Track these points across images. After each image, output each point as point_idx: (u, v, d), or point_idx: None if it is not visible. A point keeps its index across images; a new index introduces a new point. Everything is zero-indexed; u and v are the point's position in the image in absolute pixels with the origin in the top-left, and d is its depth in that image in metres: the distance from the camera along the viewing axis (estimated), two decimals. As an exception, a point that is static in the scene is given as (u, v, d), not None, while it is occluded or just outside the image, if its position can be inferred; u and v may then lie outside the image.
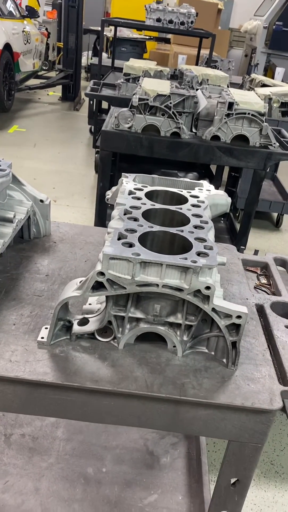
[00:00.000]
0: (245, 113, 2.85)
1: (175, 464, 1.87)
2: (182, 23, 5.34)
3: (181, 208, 1.33)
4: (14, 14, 7.61)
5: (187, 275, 1.05)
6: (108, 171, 3.05)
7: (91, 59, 9.98)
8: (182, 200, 1.41)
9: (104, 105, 5.81)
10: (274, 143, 2.94)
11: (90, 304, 1.26)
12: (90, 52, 11.05)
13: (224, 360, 1.17)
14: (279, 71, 8.39)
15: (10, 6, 7.53)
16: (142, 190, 1.41)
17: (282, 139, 3.19)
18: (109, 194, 1.54)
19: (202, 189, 1.50)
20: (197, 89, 3.36)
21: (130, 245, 1.09)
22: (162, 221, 1.32)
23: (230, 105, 2.82)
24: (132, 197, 1.35)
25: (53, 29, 10.60)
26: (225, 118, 2.87)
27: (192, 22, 5.39)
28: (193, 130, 3.03)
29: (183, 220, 1.28)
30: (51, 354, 1.12)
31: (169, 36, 9.04)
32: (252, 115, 2.85)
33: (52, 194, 4.69)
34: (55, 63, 10.79)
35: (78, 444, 1.89)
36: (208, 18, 8.36)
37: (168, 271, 1.06)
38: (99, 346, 1.16)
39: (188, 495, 1.75)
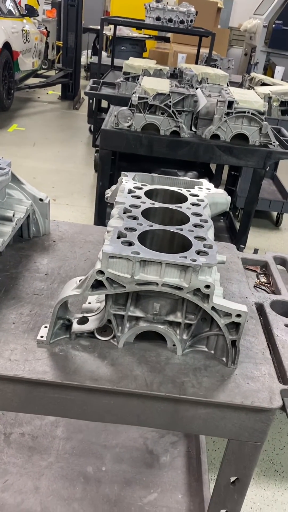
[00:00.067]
0: (244, 112, 2.84)
1: (175, 463, 1.87)
2: (182, 22, 5.34)
3: (180, 207, 1.33)
4: (14, 13, 7.60)
5: (187, 273, 1.05)
6: (108, 170, 3.05)
7: (91, 58, 9.97)
8: (182, 198, 1.41)
9: (104, 104, 5.80)
10: (274, 142, 2.94)
11: (89, 303, 1.26)
12: (90, 51, 11.05)
13: (224, 359, 1.17)
14: (279, 70, 8.39)
15: (9, 4, 7.52)
16: (141, 188, 1.41)
17: (281, 138, 3.18)
18: (108, 193, 1.54)
19: (201, 188, 1.50)
20: (196, 88, 3.36)
21: (130, 243, 1.09)
22: (162, 220, 1.31)
23: (230, 104, 2.82)
24: (132, 196, 1.35)
25: (53, 28, 10.60)
26: (224, 117, 2.86)
27: (191, 21, 5.38)
28: (193, 129, 3.03)
29: (183, 219, 1.28)
30: (51, 353, 1.12)
31: (169, 35, 9.04)
32: (251, 114, 2.84)
33: (52, 193, 4.68)
34: (54, 62, 10.78)
35: (77, 443, 1.89)
36: (207, 17, 8.35)
37: (167, 270, 1.06)
38: (99, 345, 1.16)
39: (188, 493, 1.76)
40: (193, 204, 1.36)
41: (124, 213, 1.23)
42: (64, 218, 3.97)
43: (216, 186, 1.55)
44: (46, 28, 9.89)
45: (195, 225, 1.23)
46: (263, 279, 1.67)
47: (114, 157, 3.80)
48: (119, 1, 11.04)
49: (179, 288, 1.07)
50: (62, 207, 4.52)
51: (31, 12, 8.26)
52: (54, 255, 1.54)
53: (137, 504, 1.69)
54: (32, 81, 8.34)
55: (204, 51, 6.17)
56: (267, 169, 3.22)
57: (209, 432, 1.16)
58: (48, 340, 1.14)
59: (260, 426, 1.11)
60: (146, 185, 1.44)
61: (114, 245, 1.06)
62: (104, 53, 7.25)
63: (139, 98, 2.76)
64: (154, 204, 1.32)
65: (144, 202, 1.32)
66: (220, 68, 5.96)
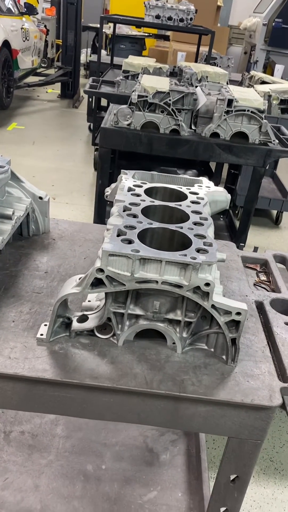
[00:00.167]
0: (244, 110, 2.84)
1: (175, 461, 1.88)
2: (181, 20, 5.33)
3: (180, 205, 1.33)
4: (13, 11, 7.59)
5: (187, 271, 1.05)
6: (107, 169, 3.04)
7: (90, 56, 9.96)
8: (182, 196, 1.41)
9: (103, 102, 5.79)
10: (274, 140, 2.94)
11: (89, 301, 1.26)
12: (89, 49, 11.03)
13: (224, 357, 1.17)
14: (279, 68, 8.37)
15: (8, 3, 7.51)
16: (141, 187, 1.41)
17: (281, 136, 3.18)
18: (108, 191, 1.54)
19: (201, 186, 1.50)
20: (196, 86, 3.36)
21: (130, 241, 1.08)
22: (162, 218, 1.31)
23: (230, 102, 2.81)
24: (132, 194, 1.35)
25: (52, 26, 10.59)
26: (224, 115, 2.86)
27: (191, 19, 5.37)
28: (193, 127, 3.03)
29: (183, 217, 1.28)
30: (51, 351, 1.12)
31: (168, 33, 9.02)
32: (251, 112, 2.84)
33: (51, 191, 4.68)
34: (54, 60, 10.77)
35: (77, 441, 1.89)
36: (207, 15, 8.34)
37: (167, 268, 1.06)
38: (99, 343, 1.16)
39: (188, 492, 1.76)
40: (193, 202, 1.36)
41: (123, 211, 1.23)
42: (64, 217, 3.96)
43: (216, 185, 1.55)
44: (45, 26, 9.89)
45: (195, 223, 1.23)
46: (263, 277, 1.67)
47: (114, 156, 3.80)
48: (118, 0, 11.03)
49: (179, 286, 1.06)
50: (62, 206, 4.52)
51: (30, 10, 8.25)
52: (53, 253, 1.54)
53: (137, 502, 1.69)
54: (31, 79, 8.33)
55: (204, 49, 6.17)
56: (267, 167, 3.21)
57: (209, 430, 1.16)
58: (48, 338, 1.14)
59: (260, 424, 1.11)
60: (145, 183, 1.44)
61: (114, 243, 1.06)
62: (103, 52, 7.25)
63: (139, 96, 2.75)
64: (154, 202, 1.32)
65: (144, 200, 1.32)
66: (220, 66, 5.96)
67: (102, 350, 1.14)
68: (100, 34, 5.60)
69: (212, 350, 1.19)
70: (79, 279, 1.13)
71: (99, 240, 1.64)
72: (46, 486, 1.71)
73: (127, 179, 1.46)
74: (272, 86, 4.47)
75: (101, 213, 3.14)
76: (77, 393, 1.10)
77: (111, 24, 7.17)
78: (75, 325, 1.17)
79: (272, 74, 8.34)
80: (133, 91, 2.84)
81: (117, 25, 6.80)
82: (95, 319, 1.17)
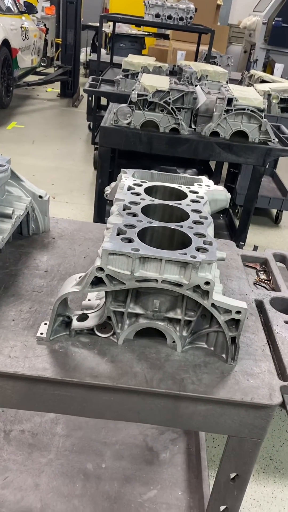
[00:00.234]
0: (244, 109, 2.84)
1: (175, 459, 1.88)
2: (181, 19, 5.32)
3: (180, 204, 1.33)
4: (12, 9, 7.58)
5: (187, 270, 1.05)
6: (107, 168, 3.04)
7: (90, 55, 9.96)
8: (182, 195, 1.41)
9: (103, 101, 5.79)
10: (273, 139, 2.94)
11: (89, 300, 1.26)
12: (89, 48, 11.02)
13: (224, 356, 1.17)
14: (278, 67, 8.37)
15: (8, 1, 7.50)
16: (141, 185, 1.41)
17: (281, 135, 3.18)
18: (108, 189, 1.54)
19: (201, 185, 1.50)
20: (196, 85, 3.36)
21: (129, 240, 1.08)
22: (162, 217, 1.31)
23: (229, 101, 2.81)
24: (131, 193, 1.35)
25: (52, 25, 10.58)
26: (224, 114, 2.86)
27: (191, 18, 5.37)
28: (192, 126, 3.02)
29: (183, 216, 1.28)
30: (50, 349, 1.12)
31: (168, 32, 9.01)
32: (251, 111, 2.84)
33: (51, 190, 4.68)
34: (53, 59, 10.76)
35: (77, 440, 1.89)
36: (207, 14, 8.33)
37: (167, 267, 1.06)
38: (99, 342, 1.16)
39: (188, 490, 1.76)
40: (192, 201, 1.36)
41: (123, 210, 1.23)
42: (64, 216, 3.96)
43: (216, 184, 1.55)
44: (45, 25, 9.87)
45: (195, 222, 1.23)
46: (263, 276, 1.67)
47: (114, 155, 3.80)
48: (118, -2, 11.01)
49: (179, 285, 1.06)
50: (62, 205, 4.52)
51: (30, 9, 8.23)
52: (53, 252, 1.54)
53: (137, 500, 1.70)
54: (31, 78, 8.32)
55: (204, 48, 6.16)
56: (267, 166, 3.21)
57: (209, 429, 1.16)
58: (48, 337, 1.14)
59: (260, 423, 1.11)
60: (145, 182, 1.44)
61: (113, 242, 1.06)
62: (103, 51, 7.24)
63: (139, 95, 2.75)
64: (153, 201, 1.32)
65: (144, 199, 1.32)
66: (220, 65, 5.95)
67: (102, 349, 1.14)
68: (100, 33, 5.60)
69: (212, 348, 1.19)
70: (79, 278, 1.13)
71: (99, 239, 1.64)
72: (46, 485, 1.71)
73: (127, 178, 1.46)
74: (272, 85, 4.47)
75: (101, 212, 3.14)
76: (77, 392, 1.10)
77: (111, 23, 7.16)
78: (75, 324, 1.17)
79: (272, 73, 8.33)
80: (132, 90, 2.84)
81: (117, 24, 6.80)
82: (95, 318, 1.17)
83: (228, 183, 4.48)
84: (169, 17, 5.30)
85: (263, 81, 4.86)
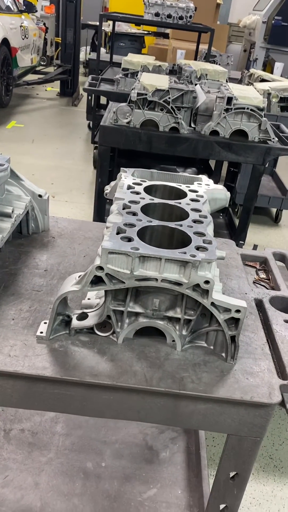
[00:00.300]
0: (244, 108, 2.84)
1: (174, 458, 1.88)
2: (181, 18, 5.32)
3: (180, 203, 1.33)
4: (12, 8, 7.57)
5: (186, 269, 1.05)
6: (107, 167, 3.04)
7: (89, 54, 9.95)
8: (181, 194, 1.41)
9: (103, 100, 5.79)
10: (273, 138, 2.94)
11: (89, 299, 1.26)
12: (89, 47, 11.02)
13: (223, 354, 1.17)
14: (278, 66, 8.36)
15: (8, 0, 7.49)
16: (141, 184, 1.41)
17: (281, 134, 3.18)
18: (107, 188, 1.54)
19: (201, 184, 1.50)
20: (196, 84, 3.35)
21: (129, 239, 1.08)
22: (161, 216, 1.31)
23: (229, 100, 2.81)
24: (131, 192, 1.35)
25: (51, 24, 10.56)
26: (224, 113, 2.86)
27: (190, 17, 5.36)
28: (192, 125, 3.02)
29: (182, 215, 1.28)
30: (50, 348, 1.12)
31: (168, 31, 9.00)
32: (251, 110, 2.84)
33: (51, 189, 4.68)
34: (53, 58, 10.75)
35: (77, 439, 1.89)
36: (206, 13, 8.32)
37: (167, 266, 1.06)
38: (98, 341, 1.16)
39: (187, 489, 1.76)
40: (192, 200, 1.36)
41: (123, 209, 1.23)
42: (63, 215, 3.97)
43: (215, 183, 1.55)
44: (44, 24, 9.85)
45: (195, 221, 1.23)
46: (263, 275, 1.68)
47: (113, 154, 3.79)
48: (117, -3, 10.99)
49: (179, 284, 1.07)
50: (61, 204, 4.52)
51: (29, 8, 8.23)
52: (53, 252, 1.54)
53: (137, 499, 1.70)
54: (30, 77, 8.32)
55: (203, 47, 6.16)
56: (266, 165, 3.21)
57: (209, 428, 1.16)
58: (48, 336, 1.14)
59: (260, 421, 1.11)
60: (145, 181, 1.44)
61: (113, 241, 1.06)
62: (102, 49, 7.24)
63: (138, 94, 2.75)
64: (153, 200, 1.32)
65: (143, 198, 1.32)
66: (219, 64, 5.95)
67: (102, 348, 1.15)
68: (100, 32, 5.60)
69: (212, 347, 1.19)
70: (79, 277, 1.13)
71: (99, 238, 1.64)
72: (46, 483, 1.71)
73: (127, 177, 1.46)
74: (272, 84, 4.47)
75: (101, 211, 3.14)
76: (77, 391, 1.10)
77: (111, 22, 7.16)
78: (75, 323, 1.17)
79: (271, 72, 8.33)
80: (132, 89, 2.84)
81: (117, 23, 6.79)
82: (95, 317, 1.17)
83: (227, 182, 4.48)
84: (169, 16, 5.30)
85: (262, 80, 4.86)
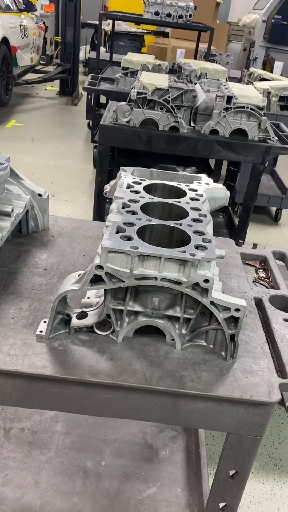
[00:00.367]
0: (243, 107, 2.84)
1: (174, 457, 1.88)
2: (181, 17, 5.32)
3: (179, 202, 1.33)
4: (12, 7, 7.56)
5: (186, 268, 1.05)
6: (106, 166, 3.04)
7: (89, 53, 9.94)
8: (181, 193, 1.41)
9: (102, 99, 5.79)
10: (273, 137, 2.94)
11: (88, 297, 1.26)
12: (88, 46, 11.01)
13: (223, 353, 1.17)
14: (278, 65, 8.36)
15: (7, -1, 7.49)
16: (140, 183, 1.41)
17: (280, 133, 3.18)
18: (107, 187, 1.54)
19: (200, 183, 1.50)
20: (195, 83, 3.35)
21: (129, 238, 1.09)
22: (161, 215, 1.31)
23: (229, 99, 2.81)
24: (131, 191, 1.35)
25: (51, 23, 10.55)
26: (223, 112, 2.86)
27: (190, 16, 5.36)
28: (192, 124, 3.02)
29: (182, 214, 1.28)
30: (50, 347, 1.13)
31: (168, 30, 9.00)
32: (250, 109, 2.84)
33: (50, 189, 4.68)
34: (52, 57, 10.74)
35: (77, 438, 1.89)
36: (206, 12, 8.32)
37: (166, 264, 1.06)
38: (98, 340, 1.17)
39: (187, 487, 1.76)
40: (192, 199, 1.36)
41: (123, 208, 1.23)
42: (63, 214, 3.95)
43: (215, 182, 1.55)
44: (44, 23, 9.84)
45: (194, 220, 1.23)
46: (262, 274, 1.68)
47: (113, 153, 3.79)
48: (117, -4, 10.98)
49: (178, 283, 1.07)
50: (61, 203, 4.52)
51: (29, 7, 8.22)
52: (53, 251, 1.54)
53: (137, 498, 1.70)
54: (30, 76, 8.31)
55: (203, 46, 6.15)
56: (266, 164, 3.21)
57: (208, 426, 1.16)
58: (47, 335, 1.14)
59: (259, 420, 1.12)
60: (145, 180, 1.44)
61: (113, 240, 1.06)
62: (102, 48, 7.23)
63: (138, 93, 2.75)
64: (153, 199, 1.32)
65: (143, 197, 1.32)
66: (219, 63, 5.94)
67: (102, 347, 1.15)
68: (99, 31, 5.59)
69: (211, 346, 1.19)
70: (78, 276, 1.13)
71: (98, 237, 1.64)
72: (46, 482, 1.71)
73: (126, 176, 1.46)
74: (272, 83, 4.47)
75: (100, 210, 3.14)
76: (77, 390, 1.10)
77: (110, 21, 7.15)
78: (75, 321, 1.17)
79: (271, 71, 8.32)
80: (132, 88, 2.84)
81: (116, 22, 6.78)
82: (95, 316, 1.18)
83: (227, 181, 4.48)
84: (169, 15, 5.29)
85: (262, 79, 4.86)
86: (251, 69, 5.22)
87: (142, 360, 1.13)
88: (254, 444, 1.17)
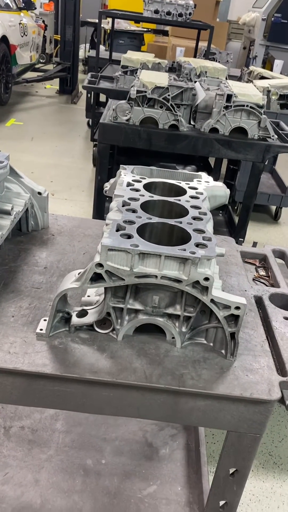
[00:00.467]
0: (243, 106, 2.83)
1: (174, 455, 1.88)
2: (180, 15, 5.31)
3: (179, 200, 1.33)
4: (11, 6, 7.55)
5: (186, 266, 1.05)
6: (106, 164, 3.04)
7: (89, 51, 9.92)
8: (181, 191, 1.41)
9: (102, 98, 5.78)
10: (273, 136, 2.93)
11: (88, 296, 1.26)
12: (88, 45, 10.98)
13: (223, 351, 1.17)
14: (278, 63, 8.35)
15: (6, -2, 7.47)
16: (140, 181, 1.41)
17: (280, 131, 3.18)
18: (107, 186, 1.54)
19: (200, 181, 1.50)
20: (195, 82, 3.35)
21: (129, 236, 1.08)
22: (161, 213, 1.31)
23: (229, 97, 2.81)
24: (131, 189, 1.35)
25: (50, 22, 10.54)
26: (223, 111, 2.86)
27: (190, 14, 5.35)
28: (192, 122, 3.02)
29: (182, 212, 1.28)
30: (50, 345, 1.13)
31: (167, 28, 8.99)
32: (250, 107, 2.84)
33: (50, 187, 4.67)
34: (52, 55, 10.73)
35: (77, 436, 1.90)
36: (206, 10, 8.31)
37: (166, 263, 1.06)
38: (98, 338, 1.17)
39: (187, 485, 1.77)
40: (192, 197, 1.36)
41: (123, 206, 1.23)
42: (63, 213, 3.94)
43: (215, 180, 1.55)
44: (43, 21, 9.83)
45: (194, 218, 1.23)
46: (262, 272, 1.68)
47: (113, 151, 3.79)
48: (117, -6, 10.97)
49: (178, 281, 1.07)
50: (61, 202, 4.51)
51: (28, 5, 8.21)
52: (53, 249, 1.54)
53: (137, 496, 1.70)
54: (29, 75, 8.30)
55: (203, 44, 6.15)
56: (266, 163, 3.21)
57: (208, 424, 1.16)
58: (48, 333, 1.14)
59: (259, 418, 1.12)
60: (145, 178, 1.44)
61: (113, 238, 1.06)
62: (102, 47, 7.21)
63: (138, 91, 2.75)
64: (153, 197, 1.32)
65: (143, 195, 1.32)
66: (219, 61, 5.94)
67: (102, 345, 1.15)
68: (99, 29, 5.58)
69: (211, 344, 1.19)
70: (78, 274, 1.13)
71: (98, 236, 1.64)
72: (46, 480, 1.72)
73: (126, 174, 1.46)
74: (271, 81, 4.46)
75: (100, 208, 3.14)
76: (77, 388, 1.10)
77: (110, 19, 7.13)
78: (75, 320, 1.17)
79: (271, 69, 8.32)
80: (132, 87, 2.83)
81: (116, 20, 6.77)
82: (95, 314, 1.17)
83: (227, 179, 4.48)
84: (168, 13, 5.29)
85: (262, 78, 4.85)
86: (251, 68, 5.21)
87: (142, 358, 1.13)
88: (254, 442, 1.17)
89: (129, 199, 1.27)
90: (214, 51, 6.09)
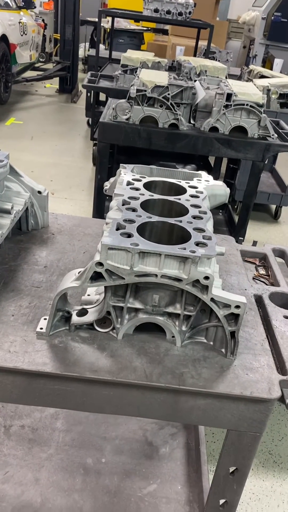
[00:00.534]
0: (243, 104, 2.83)
1: (174, 454, 1.89)
2: (180, 14, 5.30)
3: (179, 199, 1.33)
4: (11, 5, 7.54)
5: (186, 265, 1.05)
6: (106, 163, 3.04)
7: (89, 50, 9.90)
8: (181, 190, 1.41)
9: (102, 97, 5.78)
10: (273, 135, 2.93)
11: (88, 295, 1.26)
12: (88, 44, 10.97)
13: (223, 350, 1.17)
14: (278, 62, 8.35)
15: (6, -3, 7.46)
16: (140, 180, 1.41)
17: (280, 130, 3.18)
18: (107, 185, 1.54)
19: (200, 180, 1.50)
20: (195, 80, 3.35)
21: (129, 235, 1.08)
22: (161, 212, 1.31)
23: (229, 96, 2.80)
24: (131, 188, 1.35)
25: (50, 20, 10.53)
26: (223, 110, 2.85)
27: (190, 13, 5.34)
28: (192, 121, 3.02)
29: (182, 211, 1.28)
30: (50, 344, 1.13)
31: (167, 27, 8.98)
32: (250, 106, 2.83)
33: (50, 186, 4.67)
34: (52, 54, 10.72)
35: (77, 435, 1.90)
36: (206, 9, 8.30)
37: (166, 261, 1.06)
38: (98, 337, 1.17)
39: (187, 484, 1.77)
40: (192, 196, 1.36)
41: (123, 205, 1.23)
42: (63, 212, 3.95)
43: (215, 179, 1.55)
44: (43, 20, 9.82)
45: (194, 217, 1.23)
46: (262, 271, 1.68)
47: (113, 150, 3.79)
48: (116, -7, 10.95)
49: (178, 280, 1.07)
50: (61, 201, 4.51)
51: (28, 4, 8.20)
52: (53, 248, 1.54)
53: (137, 495, 1.70)
54: (29, 74, 8.29)
55: (203, 43, 6.14)
56: (266, 162, 3.21)
57: (208, 423, 1.16)
58: (48, 332, 1.14)
59: (259, 417, 1.12)
60: (145, 177, 1.44)
61: (113, 237, 1.06)
62: (102, 46, 7.21)
63: (138, 90, 2.74)
64: (153, 196, 1.32)
65: (143, 194, 1.32)
66: (219, 60, 5.93)
67: (102, 344, 1.15)
68: (99, 28, 5.57)
69: (211, 343, 1.19)
70: (78, 273, 1.13)
71: (98, 235, 1.64)
72: (46, 479, 1.72)
73: (126, 173, 1.46)
74: (271, 80, 4.46)
75: (100, 207, 3.14)
76: (77, 387, 1.10)
77: (110, 18, 7.13)
78: (75, 319, 1.17)
79: (271, 68, 8.32)
80: (131, 85, 2.83)
81: (116, 19, 6.76)
82: (95, 313, 1.18)
83: (227, 178, 4.48)
84: (168, 12, 5.28)
85: (262, 76, 4.85)
86: (251, 67, 5.21)
87: (143, 357, 1.13)
88: (254, 441, 1.17)
89: (129, 198, 1.27)
90: (214, 50, 6.09)
